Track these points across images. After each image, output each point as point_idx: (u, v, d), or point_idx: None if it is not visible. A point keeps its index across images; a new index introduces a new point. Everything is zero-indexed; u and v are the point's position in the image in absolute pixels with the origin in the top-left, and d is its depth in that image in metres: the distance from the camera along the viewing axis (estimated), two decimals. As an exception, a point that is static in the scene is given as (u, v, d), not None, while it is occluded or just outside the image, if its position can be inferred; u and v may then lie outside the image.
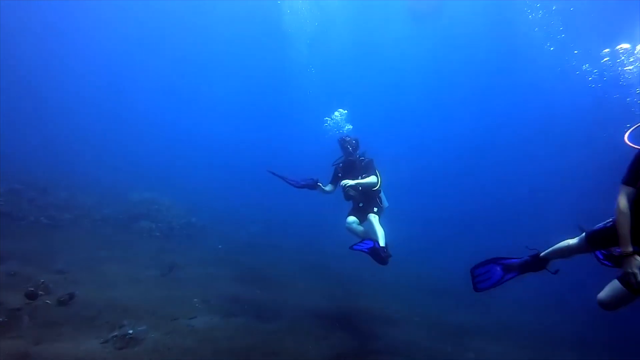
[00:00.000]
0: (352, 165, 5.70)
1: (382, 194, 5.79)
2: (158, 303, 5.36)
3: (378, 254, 4.97)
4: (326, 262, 11.05)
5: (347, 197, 5.50)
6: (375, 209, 5.52)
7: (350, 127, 6.50)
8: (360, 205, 5.62)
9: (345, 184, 5.37)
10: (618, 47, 7.99)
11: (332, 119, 6.69)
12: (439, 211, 22.79)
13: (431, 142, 31.20)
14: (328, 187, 5.90)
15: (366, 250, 5.18)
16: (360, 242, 5.39)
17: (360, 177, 5.52)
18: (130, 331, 4.35)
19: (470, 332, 7.01)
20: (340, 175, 5.74)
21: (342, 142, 5.82)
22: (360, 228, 5.55)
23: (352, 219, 5.60)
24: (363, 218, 5.58)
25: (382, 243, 5.06)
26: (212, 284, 6.66)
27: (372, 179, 5.48)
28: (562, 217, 20.01)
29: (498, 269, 3.53)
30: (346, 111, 6.75)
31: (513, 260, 3.56)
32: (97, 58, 32.81)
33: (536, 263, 3.48)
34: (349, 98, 29.96)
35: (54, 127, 25.29)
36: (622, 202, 2.80)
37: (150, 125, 30.83)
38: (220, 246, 10.74)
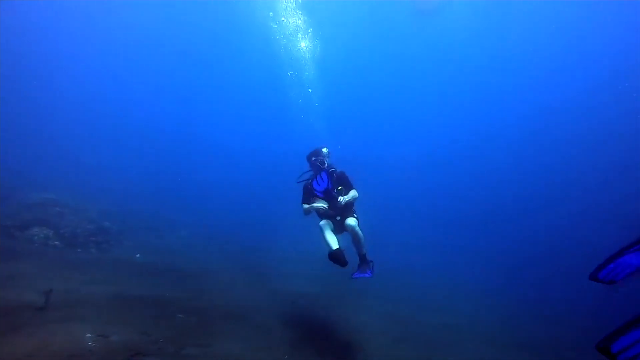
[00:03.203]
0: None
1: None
2: (28, 346, 3.56)
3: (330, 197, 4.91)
4: (271, 270, 9.61)
5: (327, 214, 5.14)
6: (355, 215, 5.22)
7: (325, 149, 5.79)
8: (338, 219, 5.20)
9: (342, 200, 5.04)
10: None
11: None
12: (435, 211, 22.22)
13: (437, 142, 30.53)
14: (307, 206, 5.30)
15: (321, 193, 5.12)
16: (357, 271, 5.16)
17: (336, 189, 5.24)
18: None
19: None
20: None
21: (313, 158, 5.49)
22: (332, 234, 4.96)
23: (325, 221, 5.12)
24: (340, 230, 5.18)
25: (363, 251, 5.05)
26: (118, 310, 4.90)
27: (354, 192, 5.25)
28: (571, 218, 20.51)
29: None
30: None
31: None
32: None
33: None
34: (346, 99, 28.74)
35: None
36: None
37: (60, 119, 26.45)
38: (138, 255, 8.78)
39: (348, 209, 5.21)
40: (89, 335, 3.99)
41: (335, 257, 4.55)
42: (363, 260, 5.13)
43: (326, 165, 5.44)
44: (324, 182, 5.02)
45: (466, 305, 9.94)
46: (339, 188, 5.27)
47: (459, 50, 26.68)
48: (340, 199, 5.04)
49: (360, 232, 4.94)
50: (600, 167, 21.94)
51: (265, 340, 4.84)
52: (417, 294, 10.08)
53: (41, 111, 25.55)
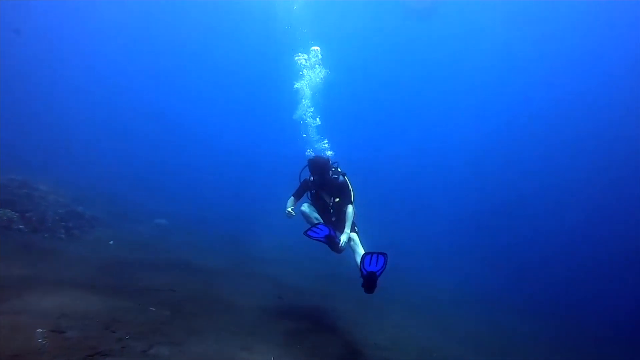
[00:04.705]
0: (325, 184, 5.13)
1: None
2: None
3: (332, 241, 4.63)
4: (254, 264, 9.03)
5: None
6: (356, 228, 4.98)
7: (329, 150, 5.89)
8: (333, 219, 5.01)
9: (343, 243, 4.69)
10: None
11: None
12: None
13: (432, 143, 29.95)
14: (291, 201, 5.18)
15: (323, 238, 4.64)
16: (314, 228, 4.67)
17: (333, 199, 5.06)
18: None
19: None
20: (313, 192, 5.24)
21: (315, 164, 5.08)
22: (316, 214, 5.05)
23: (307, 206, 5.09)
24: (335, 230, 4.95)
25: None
26: (80, 301, 4.25)
27: (350, 209, 4.89)
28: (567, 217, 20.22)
29: None
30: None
31: None
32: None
33: None
34: (346, 99, 28.14)
35: None
36: None
37: (34, 97, 24.81)
38: (111, 242, 8.07)
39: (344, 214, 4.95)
40: (39, 330, 3.36)
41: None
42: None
43: (330, 172, 5.20)
44: (324, 230, 4.67)
45: (464, 305, 9.64)
46: (337, 200, 5.05)
47: (452, 49, 26.49)
48: (342, 241, 4.68)
49: (360, 246, 4.69)
50: (609, 168, 21.87)
51: (247, 338, 4.28)
52: (411, 292, 9.70)
53: (13, 88, 23.95)
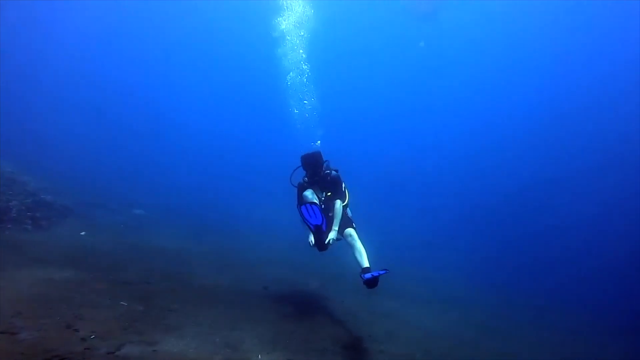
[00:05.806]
0: (318, 179, 5.11)
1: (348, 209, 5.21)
2: None
3: (320, 235, 4.46)
4: (237, 254, 8.62)
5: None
6: (353, 224, 4.94)
7: (319, 142, 5.81)
8: (330, 214, 4.88)
9: (330, 240, 4.64)
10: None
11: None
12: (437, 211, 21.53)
13: (431, 142, 29.65)
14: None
15: (312, 226, 4.42)
16: (313, 207, 4.47)
17: (325, 194, 5.06)
18: None
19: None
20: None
21: (307, 159, 5.10)
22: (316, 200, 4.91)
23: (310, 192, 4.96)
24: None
25: (366, 264, 4.38)
26: (40, 297, 3.77)
27: (338, 204, 4.87)
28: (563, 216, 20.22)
29: None
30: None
31: None
32: None
33: None
34: (346, 98, 27.50)
35: None
36: None
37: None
38: (83, 233, 7.50)
39: (344, 219, 4.90)
40: (-15, 331, 2.89)
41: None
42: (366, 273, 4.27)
43: (322, 169, 5.14)
44: (318, 219, 4.46)
45: (466, 299, 9.46)
46: (328, 194, 5.04)
47: (455, 51, 26.54)
48: (330, 239, 4.63)
49: (360, 247, 4.58)
50: (615, 164, 21.99)
51: (230, 334, 3.89)
52: (410, 285, 9.43)
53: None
